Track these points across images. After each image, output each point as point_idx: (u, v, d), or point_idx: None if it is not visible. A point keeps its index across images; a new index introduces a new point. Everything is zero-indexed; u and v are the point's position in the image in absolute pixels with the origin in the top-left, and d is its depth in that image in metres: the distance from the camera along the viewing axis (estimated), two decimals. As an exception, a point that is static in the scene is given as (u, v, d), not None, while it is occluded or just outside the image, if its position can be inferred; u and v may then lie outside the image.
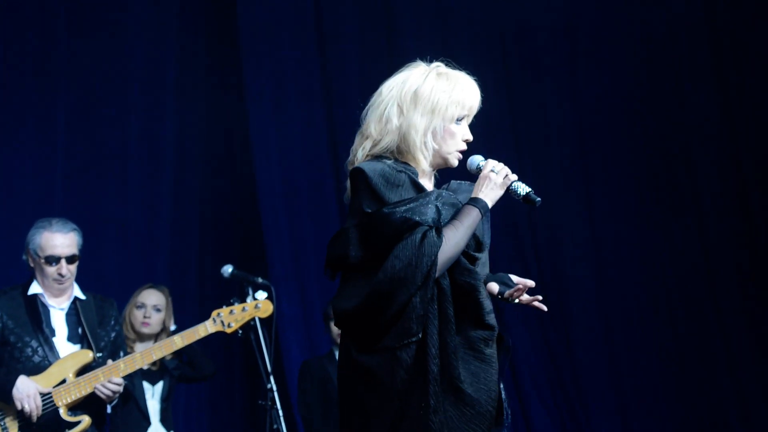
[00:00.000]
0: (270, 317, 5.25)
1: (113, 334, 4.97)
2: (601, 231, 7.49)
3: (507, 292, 3.17)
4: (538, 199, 3.12)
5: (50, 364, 4.73)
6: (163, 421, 5.76)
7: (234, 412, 7.26)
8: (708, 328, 7.33)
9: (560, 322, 7.37)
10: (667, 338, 7.37)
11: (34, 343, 4.74)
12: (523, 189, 3.14)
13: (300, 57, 7.32)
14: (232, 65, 7.30)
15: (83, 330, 4.84)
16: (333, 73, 7.33)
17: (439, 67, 3.19)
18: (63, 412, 4.69)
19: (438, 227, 2.99)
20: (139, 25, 7.12)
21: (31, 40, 6.75)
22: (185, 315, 6.28)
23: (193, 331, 5.05)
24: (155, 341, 5.75)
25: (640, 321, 7.39)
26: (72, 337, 4.85)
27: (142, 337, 5.81)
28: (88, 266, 5.26)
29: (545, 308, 3.21)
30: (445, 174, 3.27)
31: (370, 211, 3.00)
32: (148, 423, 5.62)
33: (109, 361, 4.80)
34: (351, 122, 7.39)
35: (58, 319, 4.86)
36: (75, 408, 4.73)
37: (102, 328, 4.92)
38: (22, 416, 4.64)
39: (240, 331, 5.20)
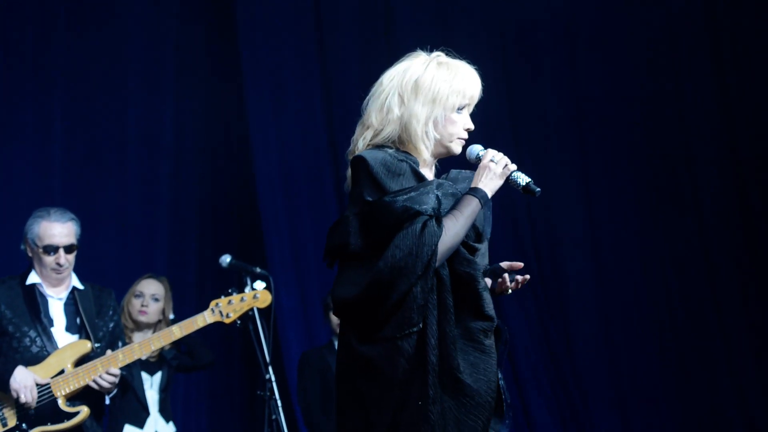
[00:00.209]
0: (268, 307, 5.24)
1: (111, 324, 4.97)
2: (601, 228, 7.49)
3: (497, 288, 3.16)
4: (538, 189, 3.12)
5: (48, 354, 4.72)
6: (162, 411, 5.76)
7: (233, 402, 7.27)
8: (707, 324, 7.33)
9: (560, 319, 7.37)
10: (667, 334, 7.37)
11: (32, 333, 4.73)
12: (522, 179, 3.14)
13: (299, 51, 7.31)
14: (230, 59, 7.30)
15: (81, 320, 4.83)
16: (332, 67, 7.33)
17: (439, 56, 3.19)
18: (61, 403, 4.68)
19: (438, 217, 2.99)
20: (137, 19, 7.12)
21: (30, 33, 6.75)
22: (184, 305, 6.28)
23: (191, 322, 5.04)
24: (154, 331, 5.75)
25: (639, 317, 7.39)
26: (70, 327, 4.84)
27: (140, 326, 5.81)
28: (87, 257, 5.26)
29: (528, 276, 3.18)
30: (445, 163, 3.26)
31: (371, 199, 3.00)
32: (146, 413, 5.63)
33: (108, 352, 4.79)
34: (349, 114, 7.38)
35: (57, 309, 4.85)
36: (73, 398, 4.72)
37: (100, 318, 4.91)
38: (20, 407, 4.63)
39: (238, 322, 5.19)
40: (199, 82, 7.31)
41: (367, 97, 3.18)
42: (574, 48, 7.59)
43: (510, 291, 3.16)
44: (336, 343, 5.95)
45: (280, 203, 7.12)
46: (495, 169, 3.12)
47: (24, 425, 4.63)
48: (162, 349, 5.58)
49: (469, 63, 3.20)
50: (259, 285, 5.21)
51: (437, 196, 3.03)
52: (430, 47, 3.25)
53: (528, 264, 7.27)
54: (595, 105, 7.55)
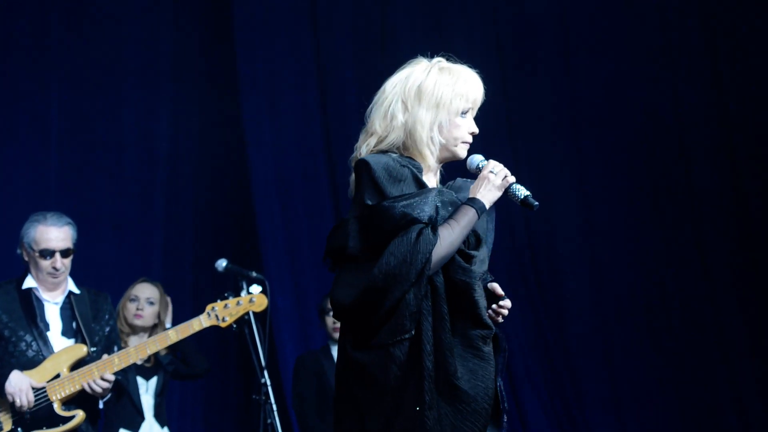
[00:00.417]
0: (264, 311, 5.24)
1: (107, 329, 4.96)
2: (597, 229, 7.49)
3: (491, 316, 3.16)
4: (536, 203, 3.13)
5: (44, 358, 4.72)
6: (157, 416, 5.76)
7: (228, 406, 7.26)
8: (704, 325, 7.33)
9: (556, 320, 7.38)
10: (663, 336, 7.37)
11: (28, 338, 4.73)
12: (521, 192, 3.15)
13: (294, 52, 7.31)
14: (226, 59, 7.29)
15: (77, 324, 4.83)
16: (328, 71, 7.32)
17: (440, 62, 3.20)
18: (57, 407, 4.68)
19: (434, 225, 2.99)
20: (133, 19, 7.11)
21: (25, 33, 6.74)
22: (180, 309, 6.27)
23: (187, 326, 5.03)
24: (150, 336, 5.74)
25: (635, 319, 7.39)
26: (66, 332, 4.84)
27: (136, 330, 5.80)
28: (83, 261, 5.25)
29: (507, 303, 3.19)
30: (452, 170, 3.27)
31: (371, 203, 3.01)
32: (141, 418, 5.62)
33: (104, 356, 4.79)
34: (345, 116, 7.41)
35: (53, 314, 4.85)
36: (69, 402, 4.72)
37: (96, 323, 4.91)
38: (15, 411, 4.63)
39: (234, 326, 5.18)
40: (195, 85, 7.30)
41: (370, 105, 3.18)
42: (570, 49, 7.58)
43: (501, 320, 3.17)
44: (332, 347, 5.96)
45: (275, 207, 7.12)
46: (494, 181, 3.13)
47: (20, 429, 4.63)
48: (158, 353, 5.57)
49: (470, 67, 3.21)
50: (255, 289, 5.21)
51: (436, 204, 3.03)
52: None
53: (524, 266, 7.33)
54: (590, 106, 7.55)
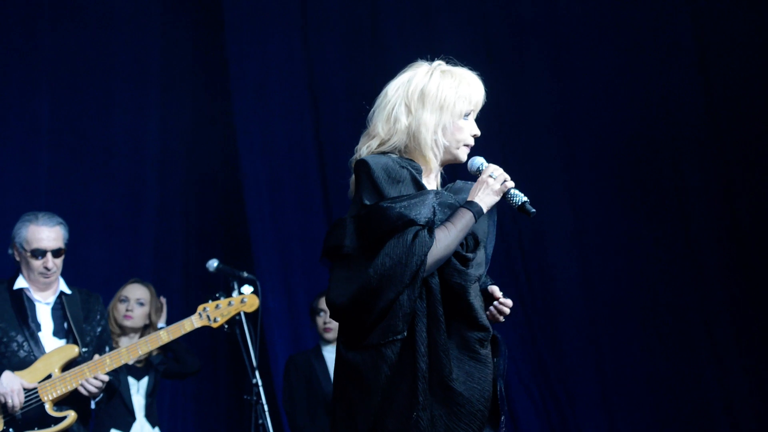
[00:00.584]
0: (255, 312, 5.25)
1: (99, 329, 4.96)
2: (586, 227, 7.50)
3: (489, 317, 3.18)
4: (533, 210, 3.15)
5: (36, 358, 4.71)
6: (148, 416, 5.75)
7: (219, 407, 7.26)
8: (694, 326, 7.35)
9: (546, 321, 7.38)
10: (653, 337, 7.38)
11: (19, 338, 4.72)
12: (519, 198, 3.17)
13: (285, 50, 7.31)
14: (217, 58, 7.30)
15: (69, 325, 4.82)
16: (318, 66, 7.32)
17: (441, 65, 3.22)
18: (48, 408, 4.67)
19: (431, 227, 3.00)
20: (123, 18, 7.10)
21: (15, 33, 6.72)
22: (171, 310, 6.26)
23: (178, 326, 5.03)
24: (141, 336, 5.74)
25: (626, 320, 7.40)
26: (58, 332, 4.83)
27: (126, 331, 5.80)
28: (74, 261, 5.25)
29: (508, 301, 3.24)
30: (452, 172, 3.28)
31: (368, 203, 3.02)
32: (133, 418, 5.62)
33: (96, 356, 4.79)
34: (336, 117, 7.39)
35: (44, 314, 4.84)
36: (61, 403, 4.72)
37: (88, 323, 4.90)
38: (6, 412, 4.62)
39: (226, 326, 5.19)
40: (186, 86, 7.31)
41: (372, 109, 3.20)
42: (559, 48, 7.60)
43: (503, 319, 3.18)
44: (323, 347, 5.96)
45: (266, 208, 7.11)
46: (492, 185, 3.14)
47: (11, 430, 4.61)
48: (149, 354, 5.57)
49: (470, 69, 3.22)
50: (247, 289, 5.21)
51: (433, 206, 3.04)
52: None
53: (514, 267, 7.34)
54: (580, 107, 7.56)
